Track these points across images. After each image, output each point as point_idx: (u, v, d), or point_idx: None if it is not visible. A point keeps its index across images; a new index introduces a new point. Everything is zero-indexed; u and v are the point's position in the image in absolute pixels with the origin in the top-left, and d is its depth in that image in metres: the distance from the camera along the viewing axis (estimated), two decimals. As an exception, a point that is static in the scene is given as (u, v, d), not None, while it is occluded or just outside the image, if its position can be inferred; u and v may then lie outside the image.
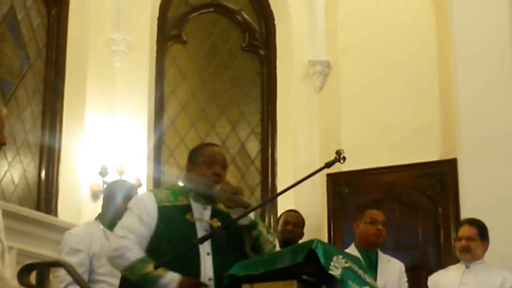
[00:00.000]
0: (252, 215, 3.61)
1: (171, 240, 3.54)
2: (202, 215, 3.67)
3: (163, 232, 3.57)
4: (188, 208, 3.67)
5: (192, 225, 3.63)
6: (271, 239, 3.67)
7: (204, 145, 3.90)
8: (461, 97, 7.18)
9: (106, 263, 4.50)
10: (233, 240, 3.58)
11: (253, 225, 3.60)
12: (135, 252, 3.51)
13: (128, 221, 3.64)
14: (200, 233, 3.59)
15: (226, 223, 3.50)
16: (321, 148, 8.12)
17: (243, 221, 3.57)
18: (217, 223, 3.65)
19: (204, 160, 3.71)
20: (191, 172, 3.74)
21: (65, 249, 4.63)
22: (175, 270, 3.45)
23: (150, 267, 3.44)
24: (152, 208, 3.63)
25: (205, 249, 3.55)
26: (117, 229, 3.66)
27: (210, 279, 3.50)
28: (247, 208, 3.55)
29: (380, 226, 5.45)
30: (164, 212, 3.63)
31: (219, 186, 3.61)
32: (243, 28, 8.75)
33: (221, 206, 3.67)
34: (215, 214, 3.70)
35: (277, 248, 3.73)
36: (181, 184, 3.90)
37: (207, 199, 3.68)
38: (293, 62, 8.50)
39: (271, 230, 3.76)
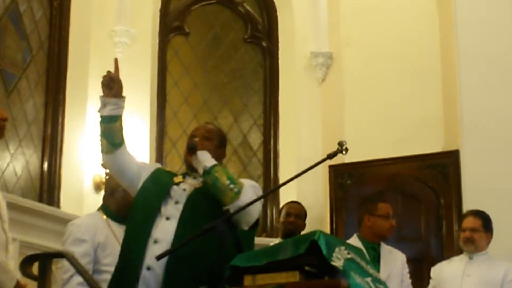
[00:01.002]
0: (210, 162, 3.76)
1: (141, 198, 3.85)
2: (188, 181, 3.87)
3: (142, 187, 3.87)
4: (180, 174, 3.95)
5: (169, 185, 3.83)
6: (231, 186, 3.67)
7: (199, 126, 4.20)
8: (464, 89, 7.17)
9: (111, 253, 4.53)
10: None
11: (207, 173, 3.72)
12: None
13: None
14: (174, 193, 3.80)
15: (226, 216, 3.50)
16: (324, 140, 8.11)
17: (199, 170, 3.79)
18: (200, 184, 3.82)
19: (190, 135, 4.02)
20: None
21: (70, 240, 4.64)
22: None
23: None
24: (152, 167, 4.03)
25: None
26: None
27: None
28: (191, 147, 3.85)
29: (393, 221, 5.45)
30: (156, 172, 3.95)
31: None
32: (245, 20, 8.73)
33: None
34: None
35: (243, 199, 3.66)
36: None
37: (191, 168, 3.91)
38: (295, 53, 8.49)
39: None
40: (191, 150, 3.83)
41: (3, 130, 3.78)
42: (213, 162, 3.76)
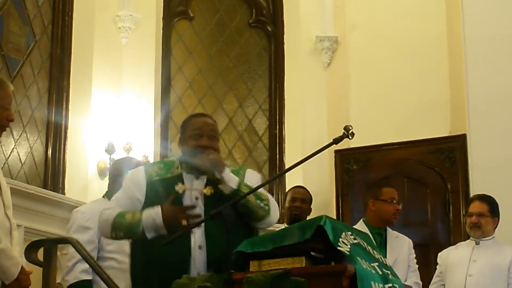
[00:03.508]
0: (234, 182, 3.63)
1: None
2: (192, 185, 3.68)
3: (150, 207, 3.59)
4: (178, 179, 3.68)
5: (179, 196, 3.64)
6: (261, 204, 3.65)
7: (191, 117, 3.89)
8: (470, 73, 7.12)
9: (115, 240, 4.51)
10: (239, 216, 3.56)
11: (235, 193, 3.60)
12: (114, 211, 3.60)
13: (118, 195, 3.74)
14: (188, 203, 3.61)
15: (233, 201, 3.47)
16: (329, 125, 8.09)
17: (226, 191, 3.62)
18: (210, 191, 3.67)
19: (190, 134, 3.74)
20: (182, 145, 3.78)
21: (74, 227, 4.64)
22: (163, 262, 3.50)
23: (128, 216, 3.53)
24: (142, 184, 3.68)
25: (196, 242, 3.56)
26: (108, 203, 3.79)
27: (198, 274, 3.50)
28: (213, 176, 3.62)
29: (398, 206, 5.41)
30: (152, 187, 3.67)
31: (204, 156, 3.64)
32: (250, 4, 8.68)
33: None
34: (210, 183, 3.70)
35: (273, 215, 3.68)
36: (174, 157, 3.90)
37: (198, 170, 3.70)
38: (300, 38, 8.44)
39: (264, 197, 3.72)
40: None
41: (4, 129, 3.76)
42: (236, 179, 3.66)
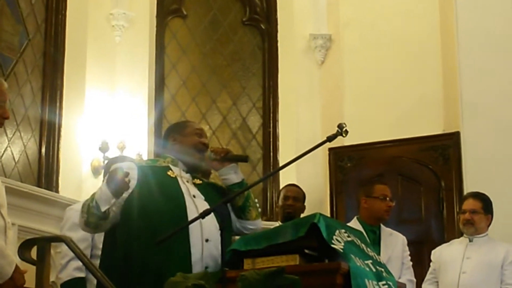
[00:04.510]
0: (238, 177, 3.72)
1: (154, 194, 3.58)
2: (180, 174, 3.76)
3: (144, 188, 3.59)
4: (167, 168, 3.75)
5: (174, 179, 3.70)
6: (257, 204, 3.78)
7: (187, 121, 4.13)
8: (464, 70, 7.13)
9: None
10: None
11: (244, 183, 3.70)
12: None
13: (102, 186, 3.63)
14: (183, 186, 3.67)
15: (228, 198, 3.48)
16: (323, 123, 8.09)
17: (234, 179, 3.70)
18: (199, 182, 3.76)
19: (193, 132, 3.85)
20: (177, 143, 3.83)
21: (68, 225, 4.64)
22: (163, 255, 3.47)
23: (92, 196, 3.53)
24: (133, 168, 3.66)
25: (204, 235, 3.56)
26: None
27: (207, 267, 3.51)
28: (246, 160, 3.81)
29: (390, 203, 5.41)
30: (142, 171, 3.67)
31: (209, 152, 3.74)
32: (243, 2, 8.68)
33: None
34: (195, 178, 3.81)
35: (260, 221, 3.80)
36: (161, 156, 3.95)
37: (193, 168, 3.79)
38: (294, 36, 8.45)
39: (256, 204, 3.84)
40: (244, 161, 3.84)
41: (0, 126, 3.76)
42: (240, 175, 3.78)
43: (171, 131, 3.93)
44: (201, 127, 3.94)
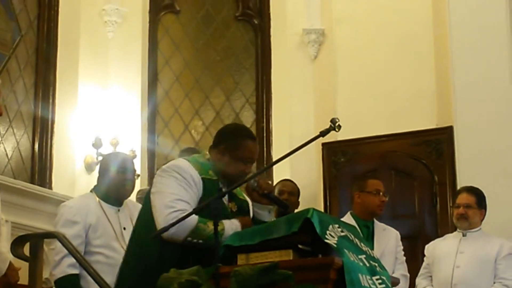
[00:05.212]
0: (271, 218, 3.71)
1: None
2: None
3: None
4: (217, 184, 3.60)
5: (227, 210, 3.67)
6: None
7: (247, 137, 3.75)
8: (456, 65, 7.14)
9: (102, 235, 4.52)
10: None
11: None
12: (192, 218, 3.44)
13: (175, 191, 3.54)
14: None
15: (221, 193, 3.46)
16: (316, 117, 8.08)
17: (266, 217, 3.69)
18: (234, 208, 3.72)
19: (242, 156, 3.69)
20: (221, 157, 3.69)
21: (61, 221, 4.62)
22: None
23: (210, 225, 3.39)
24: (197, 178, 3.59)
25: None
26: (166, 201, 3.52)
27: None
28: (286, 209, 3.69)
29: (384, 197, 5.42)
30: (206, 184, 3.61)
31: (253, 181, 3.64)
32: (236, -3, 8.67)
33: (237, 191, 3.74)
34: (232, 198, 3.75)
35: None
36: (206, 159, 3.77)
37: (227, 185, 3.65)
38: (287, 31, 8.43)
39: None
40: (285, 209, 3.76)
41: None
42: (267, 215, 3.77)
43: (222, 137, 3.76)
44: (253, 153, 3.73)
